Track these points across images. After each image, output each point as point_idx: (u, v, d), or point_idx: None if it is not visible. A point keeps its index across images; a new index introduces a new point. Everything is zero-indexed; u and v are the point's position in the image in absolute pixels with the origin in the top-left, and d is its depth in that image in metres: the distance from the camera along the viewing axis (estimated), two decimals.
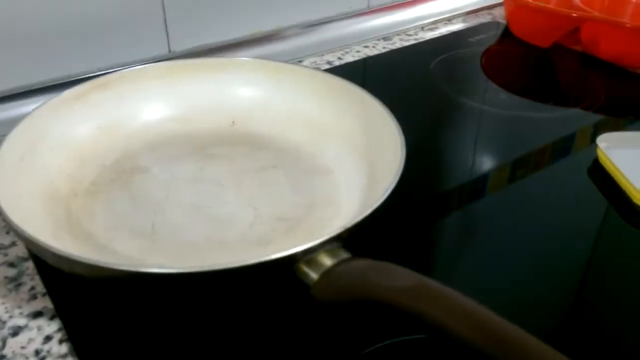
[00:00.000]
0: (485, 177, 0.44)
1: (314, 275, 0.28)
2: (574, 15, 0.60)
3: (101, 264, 0.27)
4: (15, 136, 0.37)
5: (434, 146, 0.48)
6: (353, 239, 0.30)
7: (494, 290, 0.35)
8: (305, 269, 0.28)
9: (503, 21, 0.72)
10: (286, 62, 0.58)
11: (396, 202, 0.32)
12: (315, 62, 0.61)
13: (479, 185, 0.43)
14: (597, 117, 0.52)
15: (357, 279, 0.26)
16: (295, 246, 0.29)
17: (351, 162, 0.42)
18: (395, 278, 0.24)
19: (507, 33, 0.69)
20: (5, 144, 0.35)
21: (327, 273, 0.27)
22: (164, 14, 0.53)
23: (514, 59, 0.64)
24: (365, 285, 0.25)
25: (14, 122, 0.37)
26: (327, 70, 0.57)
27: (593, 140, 0.46)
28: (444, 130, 0.50)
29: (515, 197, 0.42)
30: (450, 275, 0.36)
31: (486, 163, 0.46)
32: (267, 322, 0.31)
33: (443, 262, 0.37)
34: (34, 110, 0.39)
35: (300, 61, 0.61)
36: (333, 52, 0.63)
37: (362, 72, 0.60)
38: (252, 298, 0.32)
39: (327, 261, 0.28)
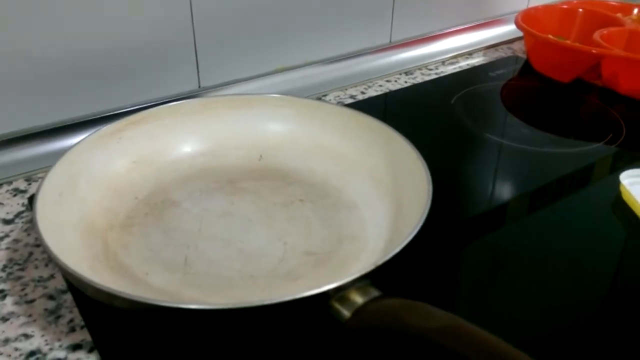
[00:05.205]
0: (504, 208, 0.45)
1: (346, 313, 0.29)
2: (594, 51, 0.61)
3: (142, 300, 0.28)
4: (54, 174, 0.38)
5: (455, 180, 0.49)
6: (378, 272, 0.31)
7: (512, 321, 0.35)
8: (338, 306, 0.29)
9: (523, 55, 0.73)
10: (311, 96, 0.59)
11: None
12: (339, 96, 0.62)
13: (497, 217, 0.44)
14: (619, 153, 0.53)
15: (390, 318, 0.27)
16: (324, 281, 0.29)
17: (377, 197, 0.43)
18: (428, 318, 0.25)
19: (527, 67, 0.70)
20: (45, 182, 0.37)
21: (359, 311, 0.28)
22: (196, 53, 0.55)
23: (534, 93, 0.65)
24: (398, 325, 0.26)
25: (56, 154, 0.39)
26: (350, 105, 0.58)
27: (617, 176, 0.47)
28: (464, 164, 0.51)
29: (543, 234, 0.43)
30: (471, 306, 0.36)
31: (505, 197, 0.47)
32: (296, 355, 0.32)
33: (464, 292, 0.37)
34: (71, 147, 0.41)
35: (324, 95, 0.62)
36: (356, 86, 0.65)
37: (384, 106, 0.61)
38: (282, 330, 0.33)
39: (358, 299, 0.29)
